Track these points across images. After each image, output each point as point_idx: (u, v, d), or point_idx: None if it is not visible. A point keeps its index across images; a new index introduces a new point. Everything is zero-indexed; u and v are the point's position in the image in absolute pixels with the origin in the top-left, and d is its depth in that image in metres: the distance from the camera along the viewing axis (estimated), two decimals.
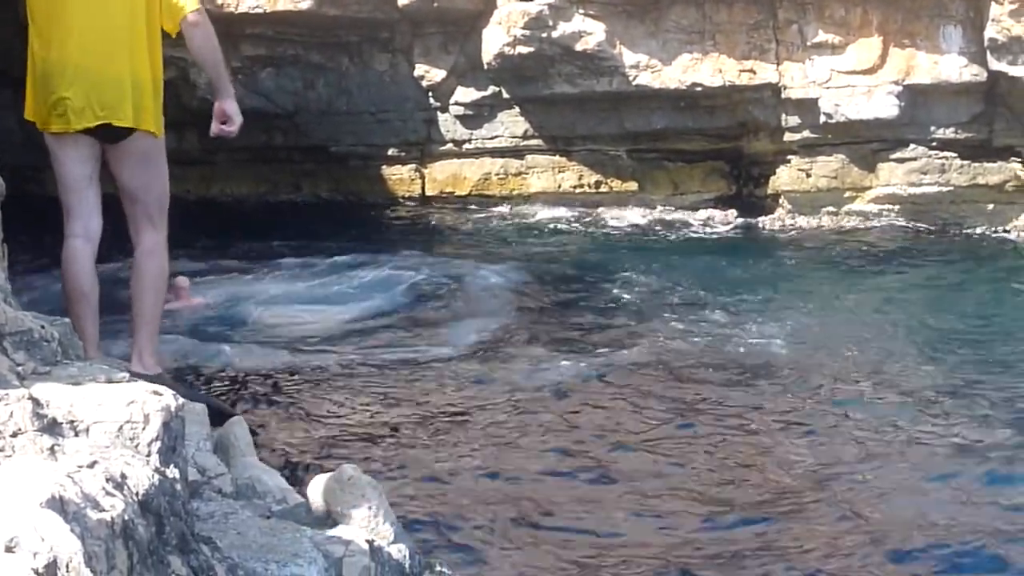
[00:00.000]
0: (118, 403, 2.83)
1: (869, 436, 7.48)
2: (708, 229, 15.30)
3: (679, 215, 15.66)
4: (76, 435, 2.71)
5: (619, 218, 15.66)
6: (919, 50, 14.77)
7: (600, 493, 6.60)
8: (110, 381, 3.16)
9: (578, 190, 16.24)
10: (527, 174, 16.36)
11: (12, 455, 2.46)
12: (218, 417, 4.83)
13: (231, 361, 8.95)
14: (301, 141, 16.79)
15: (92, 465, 2.41)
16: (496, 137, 16.30)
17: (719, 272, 12.67)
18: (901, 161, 15.19)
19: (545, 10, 14.97)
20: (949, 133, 15.09)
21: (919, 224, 14.97)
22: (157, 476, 2.52)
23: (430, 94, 16.29)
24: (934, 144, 15.14)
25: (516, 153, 16.35)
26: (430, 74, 16.12)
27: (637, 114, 15.82)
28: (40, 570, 1.95)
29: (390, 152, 16.65)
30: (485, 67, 15.64)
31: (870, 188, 15.40)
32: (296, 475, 5.93)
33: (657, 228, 15.25)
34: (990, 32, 14.17)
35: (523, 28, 15.04)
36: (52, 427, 2.65)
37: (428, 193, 16.70)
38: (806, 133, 15.34)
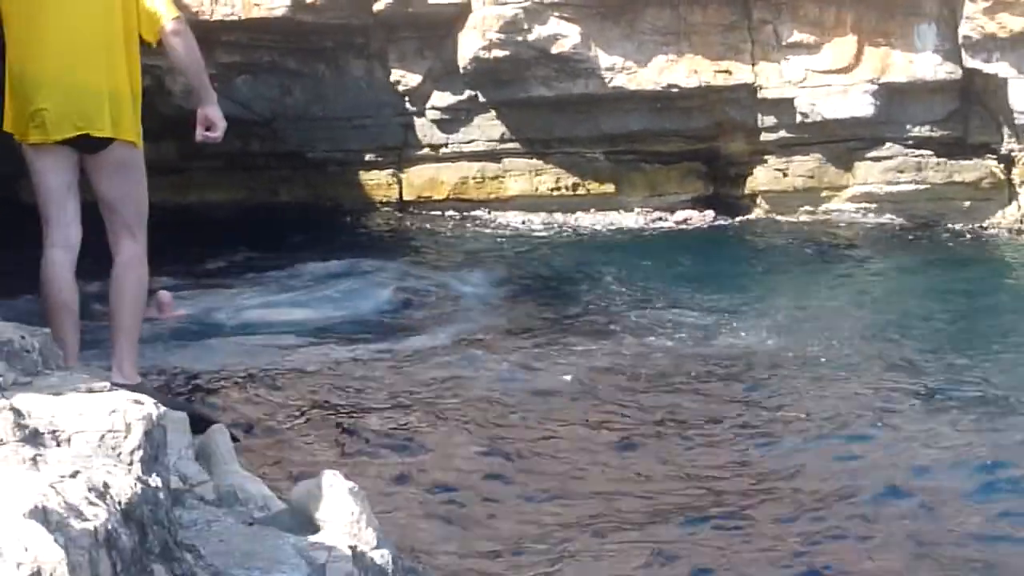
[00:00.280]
0: (100, 412, 2.83)
1: (852, 432, 7.52)
2: (685, 228, 15.34)
3: (656, 216, 15.68)
4: (58, 445, 2.71)
5: (597, 220, 15.68)
6: (894, 48, 14.82)
7: (587, 496, 6.61)
8: (91, 391, 3.17)
9: (555, 193, 16.25)
10: (504, 177, 16.36)
11: None
12: (199, 424, 4.84)
13: (212, 368, 8.94)
14: (278, 147, 16.75)
15: (74, 475, 2.41)
16: (473, 141, 16.29)
17: (697, 272, 12.72)
18: (878, 160, 15.25)
19: (520, 13, 14.97)
20: (925, 131, 15.16)
21: (896, 222, 15.01)
22: (139, 485, 2.52)
23: (406, 99, 16.28)
24: (910, 142, 15.21)
25: (493, 157, 16.34)
26: (406, 79, 16.11)
27: (613, 116, 15.83)
28: None
29: (367, 157, 16.63)
30: (461, 71, 15.64)
31: (847, 187, 15.45)
32: (278, 482, 5.93)
33: (634, 229, 15.27)
34: (964, 30, 14.24)
35: (498, 32, 15.04)
36: (34, 437, 2.66)
37: (406, 198, 16.68)
38: (782, 133, 15.39)
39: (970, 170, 15.07)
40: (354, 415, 7.97)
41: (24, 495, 2.18)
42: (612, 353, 9.48)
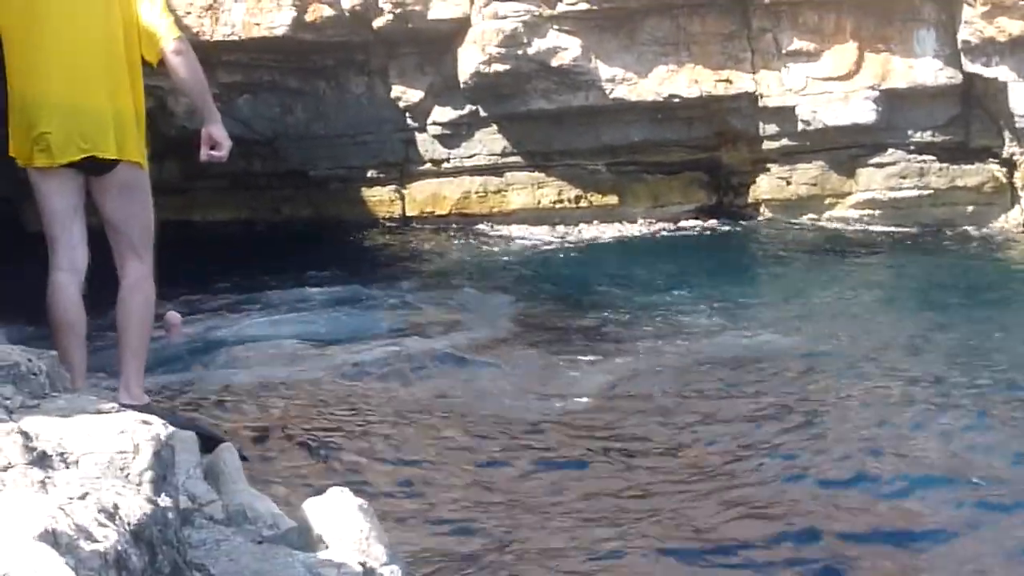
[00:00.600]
0: (108, 434, 2.83)
1: (862, 433, 7.50)
2: (689, 235, 15.34)
3: (660, 227, 15.68)
4: (67, 467, 2.71)
5: (600, 231, 15.68)
6: (894, 55, 14.85)
7: (606, 512, 6.58)
8: (99, 412, 3.16)
9: (558, 205, 16.27)
10: (507, 191, 16.38)
11: (3, 489, 2.46)
12: (207, 443, 4.83)
13: (218, 387, 8.93)
14: (280, 166, 16.79)
15: (84, 496, 2.40)
16: (475, 155, 16.33)
17: (703, 278, 12.70)
18: (880, 166, 15.27)
19: (520, 27, 15.01)
20: (927, 136, 15.19)
21: (900, 228, 15.01)
22: (149, 505, 2.52)
23: (407, 115, 16.31)
24: (912, 148, 15.23)
25: (495, 171, 16.38)
26: (407, 95, 16.15)
27: (614, 127, 15.86)
28: None
29: (369, 174, 16.67)
30: (461, 86, 15.67)
31: (850, 194, 15.47)
32: (287, 499, 5.92)
33: (637, 240, 15.27)
34: (963, 35, 14.26)
35: (498, 46, 15.07)
36: (42, 460, 2.66)
37: (408, 213, 16.71)
38: (784, 141, 15.41)
39: (972, 174, 15.09)
40: (361, 431, 7.95)
41: (33, 518, 2.18)
42: (622, 364, 9.46)
